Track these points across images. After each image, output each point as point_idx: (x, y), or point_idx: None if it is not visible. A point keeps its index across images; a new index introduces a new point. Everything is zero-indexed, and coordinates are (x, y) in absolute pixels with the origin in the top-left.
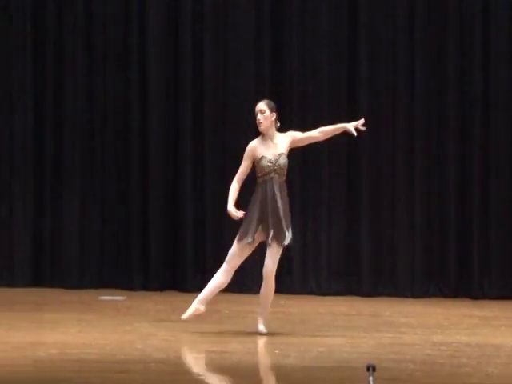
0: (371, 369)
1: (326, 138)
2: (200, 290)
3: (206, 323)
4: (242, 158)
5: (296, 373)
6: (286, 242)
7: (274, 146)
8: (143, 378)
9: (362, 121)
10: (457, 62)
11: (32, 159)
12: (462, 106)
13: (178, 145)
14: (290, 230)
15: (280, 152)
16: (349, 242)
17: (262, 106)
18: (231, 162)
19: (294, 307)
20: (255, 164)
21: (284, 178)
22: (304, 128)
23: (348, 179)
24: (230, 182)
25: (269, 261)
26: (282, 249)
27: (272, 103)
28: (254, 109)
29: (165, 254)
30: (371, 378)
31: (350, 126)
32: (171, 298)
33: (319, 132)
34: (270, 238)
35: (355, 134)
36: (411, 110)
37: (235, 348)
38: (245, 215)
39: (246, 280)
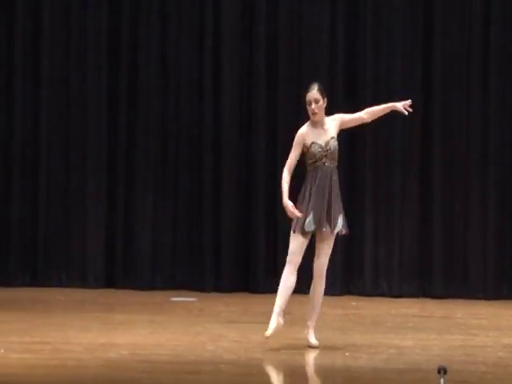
0: (442, 371)
1: (373, 118)
2: (272, 291)
3: None
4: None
5: (366, 374)
6: (339, 229)
7: (324, 132)
8: (214, 380)
9: (409, 101)
10: None
11: (106, 157)
12: None
13: (251, 144)
14: (343, 217)
15: (331, 136)
16: (421, 243)
17: (315, 94)
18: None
19: (365, 309)
20: (305, 151)
21: (336, 164)
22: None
23: (420, 179)
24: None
25: (322, 253)
26: (335, 238)
27: (322, 87)
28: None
29: (237, 255)
30: (442, 381)
31: (400, 106)
32: (242, 299)
33: (366, 113)
34: (324, 226)
35: (406, 112)
36: (485, 112)
37: (306, 349)
38: (297, 206)
39: None
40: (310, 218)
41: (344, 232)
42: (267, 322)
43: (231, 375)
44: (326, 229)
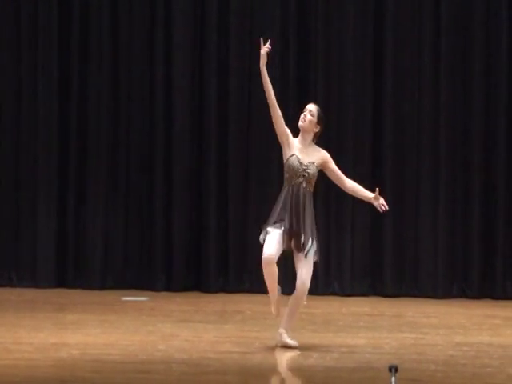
0: (393, 370)
1: (352, 194)
2: (222, 290)
3: (228, 324)
4: (263, 161)
5: (318, 373)
6: (311, 253)
7: (306, 153)
8: (165, 379)
9: (383, 202)
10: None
11: (56, 160)
12: (486, 114)
13: (202, 146)
14: (316, 243)
15: (312, 161)
16: (372, 242)
17: (313, 108)
18: (254, 165)
19: (316, 308)
20: (284, 160)
21: (311, 190)
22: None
23: (371, 180)
24: (253, 184)
25: (299, 274)
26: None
27: (323, 116)
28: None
29: (188, 255)
30: (393, 379)
31: (376, 204)
32: (194, 298)
33: (350, 185)
34: (296, 246)
35: (380, 210)
36: (436, 111)
37: (257, 348)
38: (270, 214)
39: None
40: (269, 231)
41: (315, 259)
42: (219, 322)
43: (183, 374)
44: (287, 249)
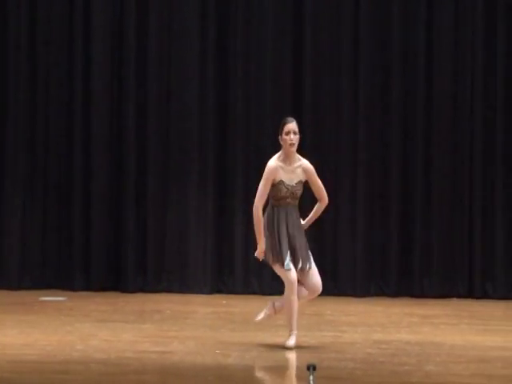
0: (312, 368)
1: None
2: (141, 290)
3: (147, 323)
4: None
5: (237, 372)
6: (310, 265)
7: (292, 172)
8: (83, 379)
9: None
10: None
11: None
12: (404, 107)
13: (122, 145)
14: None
15: (298, 180)
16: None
17: (295, 126)
18: (173, 167)
19: (235, 307)
20: (272, 185)
21: (297, 202)
22: None
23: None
24: (172, 184)
25: (311, 283)
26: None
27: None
28: (200, 114)
29: (107, 254)
30: (311, 377)
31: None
32: (113, 298)
33: (320, 202)
34: (302, 265)
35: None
36: (355, 113)
37: (176, 348)
38: (268, 238)
39: (187, 281)
40: (287, 260)
41: (308, 267)
42: (138, 321)
43: (101, 374)
44: (301, 266)
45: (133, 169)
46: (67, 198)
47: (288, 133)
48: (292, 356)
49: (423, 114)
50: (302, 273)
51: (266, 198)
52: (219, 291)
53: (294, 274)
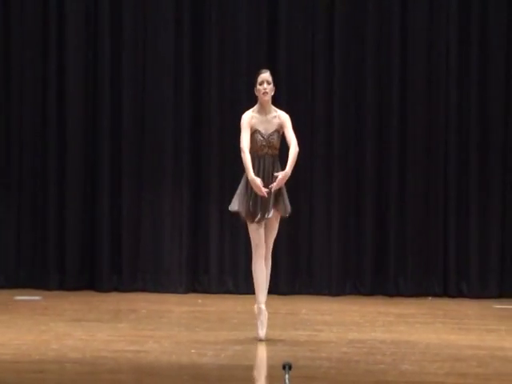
0: (287, 367)
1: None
2: (116, 289)
3: (122, 323)
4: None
5: (212, 371)
6: (287, 211)
7: (267, 122)
8: (58, 379)
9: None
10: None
11: None
12: (379, 105)
13: (96, 144)
14: (287, 200)
15: (274, 129)
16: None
17: (268, 76)
18: (147, 164)
19: (210, 306)
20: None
21: (277, 152)
22: None
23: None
24: (147, 183)
25: (268, 239)
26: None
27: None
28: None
29: (81, 253)
30: (287, 376)
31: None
32: (87, 297)
33: (289, 152)
34: (271, 213)
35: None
36: (330, 112)
37: (151, 347)
38: (241, 190)
39: (162, 280)
40: (259, 210)
41: (288, 213)
42: (113, 321)
43: (76, 374)
44: (271, 215)
45: (107, 169)
46: (43, 196)
47: (262, 83)
48: (267, 355)
49: (399, 116)
50: (268, 221)
51: (248, 142)
52: (194, 290)
53: (258, 236)
